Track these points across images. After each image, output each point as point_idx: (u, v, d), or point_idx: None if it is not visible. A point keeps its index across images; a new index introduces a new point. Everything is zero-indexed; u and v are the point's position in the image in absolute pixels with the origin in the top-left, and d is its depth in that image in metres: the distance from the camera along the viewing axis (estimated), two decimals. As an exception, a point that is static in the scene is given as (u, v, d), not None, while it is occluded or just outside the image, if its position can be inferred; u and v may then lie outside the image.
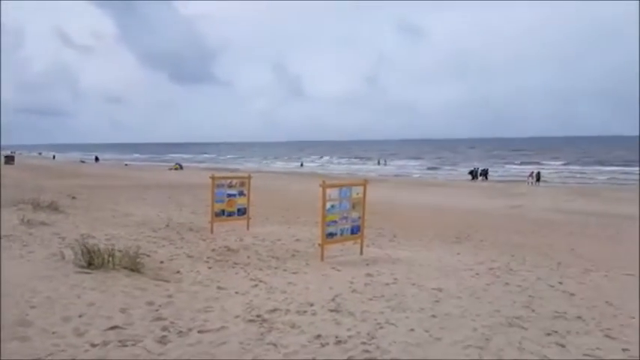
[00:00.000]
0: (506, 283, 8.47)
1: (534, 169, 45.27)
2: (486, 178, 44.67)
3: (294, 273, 8.68)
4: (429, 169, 69.69)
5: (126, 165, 77.19)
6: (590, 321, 6.61)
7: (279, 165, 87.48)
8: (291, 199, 23.17)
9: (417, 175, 56.15)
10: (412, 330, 5.83)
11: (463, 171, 59.89)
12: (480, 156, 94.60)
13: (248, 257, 9.86)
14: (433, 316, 6.47)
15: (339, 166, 79.15)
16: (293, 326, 5.76)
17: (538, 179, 39.86)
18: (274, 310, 6.36)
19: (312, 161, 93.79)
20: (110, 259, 7.50)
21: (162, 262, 8.76)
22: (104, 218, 13.55)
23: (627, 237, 13.70)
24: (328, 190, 9.78)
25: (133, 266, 7.58)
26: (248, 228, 13.26)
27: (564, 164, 66.33)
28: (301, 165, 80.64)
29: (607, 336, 6.07)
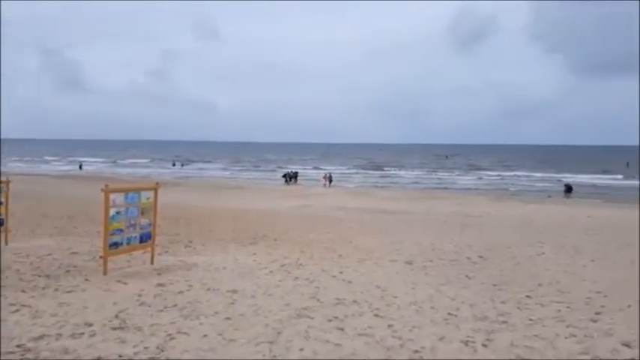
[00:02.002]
0: (296, 278, 9.21)
1: (327, 172, 50.40)
2: (296, 180, 47.66)
3: (68, 292, 7.65)
4: (229, 171, 70.36)
5: None
6: (364, 304, 7.72)
7: (50, 166, 75.67)
8: (66, 206, 20.32)
9: (217, 178, 56.07)
10: (205, 336, 5.81)
11: (260, 174, 62.54)
12: (276, 160, 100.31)
13: (6, 278, 8.26)
14: (227, 318, 6.58)
15: (127, 169, 72.92)
16: (66, 352, 5.09)
17: (330, 181, 44.59)
18: (41, 337, 5.50)
19: (92, 164, 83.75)
20: None
21: None
22: None
23: (391, 229, 16.47)
24: (112, 196, 8.94)
25: None
26: (7, 242, 11.11)
27: (348, 168, 75.92)
28: (80, 167, 71.27)
29: (376, 315, 7.19)
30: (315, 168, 73.38)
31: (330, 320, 6.72)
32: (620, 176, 57.18)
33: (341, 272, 9.83)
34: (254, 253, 11.64)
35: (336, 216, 20.13)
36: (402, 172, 66.07)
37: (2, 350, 5.08)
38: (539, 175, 59.40)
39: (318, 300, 7.74)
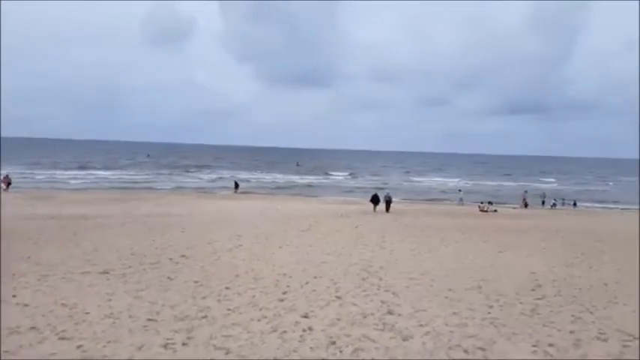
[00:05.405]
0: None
1: (5, 173, 40.62)
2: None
3: None
4: None
5: None
6: (46, 328, 6.66)
7: None
8: None
9: None
10: None
11: None
12: None
13: None
14: None
15: None
16: None
17: (9, 184, 36.26)
18: None
19: None
20: None
21: None
22: None
23: (83, 236, 14.72)
24: None
25: None
26: None
27: (31, 167, 63.90)
28: None
29: (62, 338, 6.32)
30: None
31: (-5, 357, 5.50)
32: (293, 174, 68.82)
33: (14, 295, 8.22)
34: None
35: (10, 227, 16.66)
36: (102, 172, 60.37)
37: None
38: (244, 175, 64.81)
39: (-21, 335, 6.23)
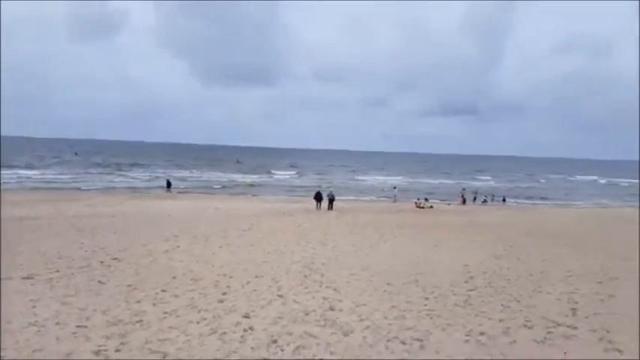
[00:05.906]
0: None
1: None
2: None
3: None
4: None
5: None
6: (-40, 340, 6.19)
7: None
8: None
9: None
10: None
11: None
12: None
13: None
14: None
15: None
16: None
17: None
18: None
19: None
20: None
21: None
22: None
23: (6, 239, 13.72)
24: None
25: None
26: None
27: None
28: None
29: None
30: None
31: None
32: (234, 173, 67.80)
33: None
34: None
35: None
36: (24, 171, 56.28)
37: None
38: (182, 173, 62.90)
39: None
